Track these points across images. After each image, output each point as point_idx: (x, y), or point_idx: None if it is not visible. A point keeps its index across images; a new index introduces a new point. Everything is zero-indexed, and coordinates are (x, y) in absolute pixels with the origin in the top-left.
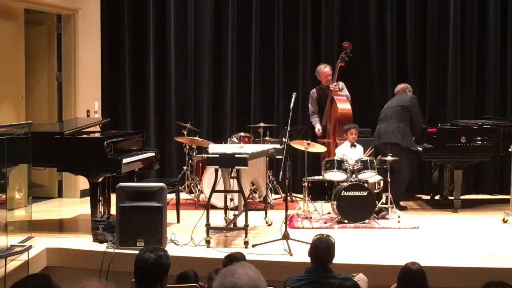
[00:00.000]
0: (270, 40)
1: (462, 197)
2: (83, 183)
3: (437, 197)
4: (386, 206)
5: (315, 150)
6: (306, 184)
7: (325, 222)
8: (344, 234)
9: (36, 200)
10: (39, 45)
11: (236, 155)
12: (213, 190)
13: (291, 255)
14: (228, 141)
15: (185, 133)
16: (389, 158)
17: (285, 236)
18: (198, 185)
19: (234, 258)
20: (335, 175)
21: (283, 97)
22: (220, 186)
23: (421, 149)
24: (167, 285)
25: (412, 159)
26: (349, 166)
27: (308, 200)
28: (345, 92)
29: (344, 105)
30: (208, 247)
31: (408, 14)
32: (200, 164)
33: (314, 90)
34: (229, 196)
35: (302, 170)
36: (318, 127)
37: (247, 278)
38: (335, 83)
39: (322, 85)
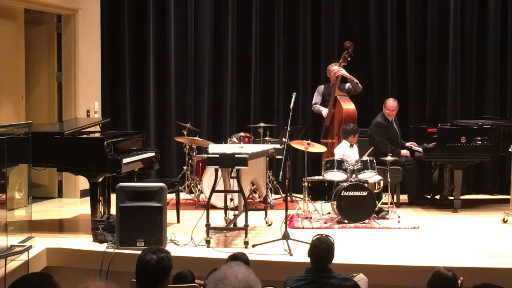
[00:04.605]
0: (270, 40)
1: (462, 197)
2: (83, 183)
3: (437, 197)
4: (387, 206)
5: (315, 150)
6: (306, 184)
7: (325, 222)
8: (344, 234)
9: (36, 200)
10: (39, 45)
11: (236, 155)
12: (213, 190)
13: (291, 255)
14: (228, 141)
15: (185, 133)
16: (389, 158)
17: (285, 236)
18: (198, 185)
19: (238, 259)
20: (335, 175)
21: (283, 97)
22: (220, 186)
23: (421, 149)
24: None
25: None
26: (349, 166)
27: (308, 200)
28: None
29: (348, 105)
30: (208, 247)
31: (408, 15)
32: (200, 164)
33: (322, 85)
34: (229, 196)
35: (302, 170)
36: (325, 111)
37: (237, 282)
38: (339, 67)
39: (331, 83)
